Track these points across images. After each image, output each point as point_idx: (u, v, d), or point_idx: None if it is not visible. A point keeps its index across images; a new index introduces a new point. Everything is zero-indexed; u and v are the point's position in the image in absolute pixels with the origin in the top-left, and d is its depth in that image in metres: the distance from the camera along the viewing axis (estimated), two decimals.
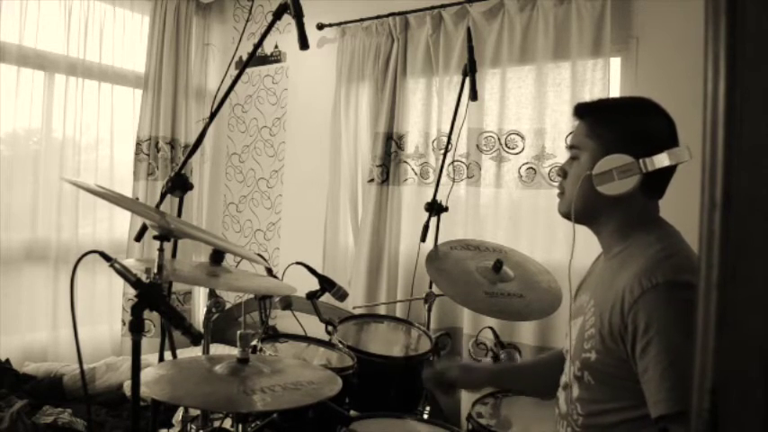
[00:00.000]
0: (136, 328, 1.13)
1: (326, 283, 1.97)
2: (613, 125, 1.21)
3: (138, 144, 3.46)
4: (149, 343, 3.12)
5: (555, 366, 1.42)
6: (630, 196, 1.15)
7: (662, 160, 1.11)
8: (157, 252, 1.26)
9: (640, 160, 1.12)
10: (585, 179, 1.19)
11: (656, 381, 1.01)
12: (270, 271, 1.99)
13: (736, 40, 0.45)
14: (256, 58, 3.61)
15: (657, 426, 1.01)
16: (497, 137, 2.72)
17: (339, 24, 3.26)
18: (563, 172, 1.29)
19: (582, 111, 1.28)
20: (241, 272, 1.87)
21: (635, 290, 1.06)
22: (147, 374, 1.25)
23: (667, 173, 1.17)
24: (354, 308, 2.63)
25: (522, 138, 2.67)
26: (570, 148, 1.29)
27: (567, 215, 1.27)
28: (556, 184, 1.35)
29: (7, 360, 2.86)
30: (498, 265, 1.94)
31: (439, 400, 2.24)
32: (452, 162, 2.80)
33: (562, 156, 2.48)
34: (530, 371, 1.65)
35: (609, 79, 2.45)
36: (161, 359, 1.67)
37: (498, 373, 1.63)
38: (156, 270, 1.24)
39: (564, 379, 1.28)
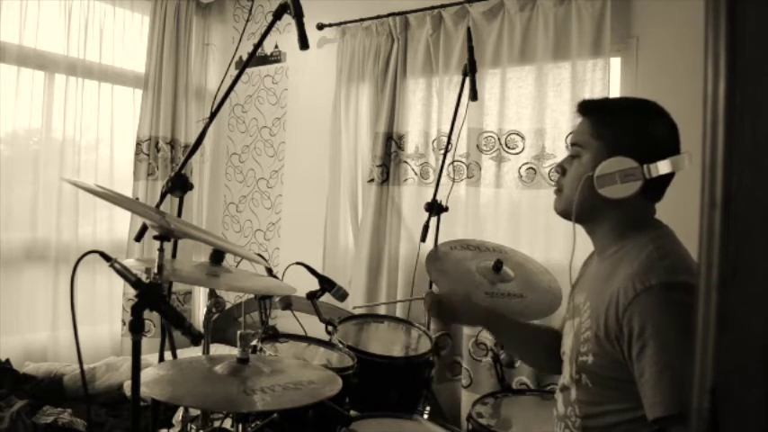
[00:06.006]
0: (136, 328, 1.12)
1: (326, 283, 1.97)
2: (619, 127, 1.19)
3: (138, 144, 3.46)
4: (149, 343, 3.12)
5: (545, 338, 1.48)
6: (629, 199, 1.14)
7: (665, 167, 1.10)
8: (157, 252, 1.26)
9: (644, 166, 1.11)
10: (587, 180, 1.18)
11: (652, 383, 1.00)
12: (270, 271, 1.99)
13: (736, 40, 0.45)
14: (256, 58, 3.61)
15: (654, 428, 1.01)
16: (497, 137, 2.72)
17: (339, 24, 3.25)
18: (561, 169, 1.28)
19: (587, 108, 1.26)
20: (241, 272, 1.87)
21: (629, 292, 1.06)
22: (147, 374, 1.25)
23: (668, 178, 1.17)
24: (354, 308, 2.63)
25: (522, 138, 2.67)
26: (572, 145, 1.28)
27: (563, 213, 1.27)
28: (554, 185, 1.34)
29: (7, 360, 2.85)
30: (498, 266, 1.94)
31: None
32: (452, 162, 2.80)
33: (562, 156, 2.47)
34: (522, 330, 1.60)
35: (609, 79, 2.44)
36: (161, 359, 1.67)
37: (494, 317, 1.57)
38: (156, 270, 1.24)
39: (562, 380, 1.28)
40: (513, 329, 1.58)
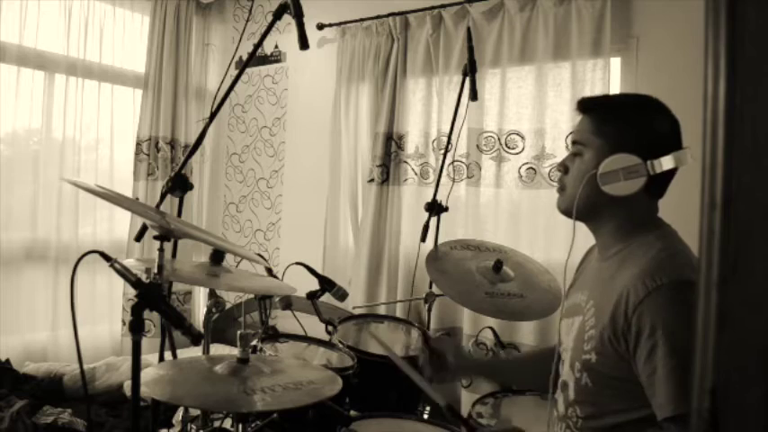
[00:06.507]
0: (136, 328, 1.12)
1: (326, 283, 1.97)
2: (621, 124, 1.19)
3: (138, 144, 3.46)
4: (149, 343, 3.12)
5: (546, 361, 1.42)
6: (634, 197, 1.14)
7: (668, 162, 1.10)
8: (157, 252, 1.26)
9: (648, 162, 1.11)
10: (590, 178, 1.17)
11: (663, 382, 1.00)
12: (270, 271, 1.99)
13: (736, 40, 0.45)
14: (256, 58, 3.61)
15: (662, 427, 1.00)
16: (497, 137, 2.72)
17: (339, 24, 3.25)
18: (564, 168, 1.27)
19: (587, 106, 1.25)
20: (241, 272, 1.87)
21: (639, 291, 1.05)
22: (147, 374, 1.25)
23: (671, 174, 1.16)
24: (354, 308, 2.63)
25: (522, 138, 2.67)
26: (573, 143, 1.26)
27: (566, 212, 1.25)
28: (556, 184, 1.33)
29: (7, 360, 2.86)
30: (498, 266, 1.94)
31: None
32: (452, 162, 2.80)
33: (562, 156, 2.46)
34: (518, 366, 1.62)
35: (609, 79, 2.45)
36: (161, 359, 1.67)
37: (485, 367, 1.61)
38: (156, 270, 1.24)
39: (562, 378, 1.27)
40: (508, 371, 1.59)
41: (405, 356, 1.98)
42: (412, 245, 2.83)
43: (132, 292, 1.13)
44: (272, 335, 1.89)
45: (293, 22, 1.62)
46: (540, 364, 1.48)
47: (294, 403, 1.26)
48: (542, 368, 1.42)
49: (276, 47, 3.67)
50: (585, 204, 1.21)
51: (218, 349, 2.90)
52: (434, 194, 2.28)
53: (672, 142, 1.16)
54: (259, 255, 1.80)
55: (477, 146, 2.77)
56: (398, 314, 2.78)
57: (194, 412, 1.76)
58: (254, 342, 1.72)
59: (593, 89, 2.46)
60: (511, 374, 1.61)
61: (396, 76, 3.01)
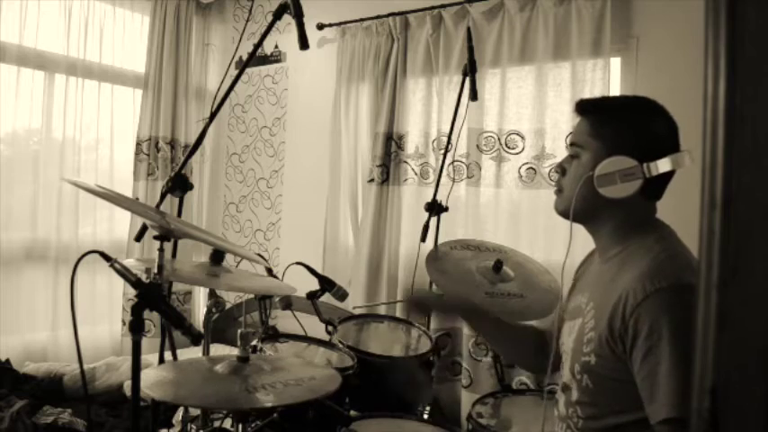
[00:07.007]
0: (136, 328, 1.13)
1: (326, 283, 1.97)
2: (618, 126, 1.19)
3: (138, 144, 3.46)
4: (149, 343, 3.12)
5: (525, 335, 1.50)
6: (631, 199, 1.14)
7: (664, 165, 1.10)
8: (157, 252, 1.26)
9: (644, 165, 1.11)
10: (587, 180, 1.18)
11: (659, 386, 1.00)
12: (270, 271, 1.99)
13: (736, 40, 0.45)
14: (256, 58, 3.61)
15: (656, 431, 1.00)
16: (497, 137, 2.72)
17: (339, 24, 3.26)
18: (561, 169, 1.28)
19: (585, 108, 1.26)
20: (241, 272, 1.87)
21: (638, 293, 1.05)
22: (149, 376, 1.25)
23: (668, 176, 1.17)
24: (354, 308, 2.64)
25: (522, 138, 2.67)
26: (571, 145, 1.27)
27: (563, 214, 1.26)
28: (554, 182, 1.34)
29: (7, 360, 2.86)
30: (498, 266, 1.94)
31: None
32: (452, 162, 2.80)
33: (562, 156, 2.45)
34: (502, 327, 1.59)
35: (609, 79, 2.45)
36: (161, 359, 1.67)
37: (470, 311, 1.59)
38: (156, 270, 1.24)
39: (563, 381, 1.28)
40: (491, 324, 1.56)
41: (404, 356, 1.99)
42: (412, 245, 2.82)
43: (132, 292, 1.13)
44: (272, 335, 1.89)
45: (293, 22, 1.62)
46: (517, 336, 1.54)
47: (296, 399, 1.26)
48: (519, 340, 1.51)
49: (276, 47, 3.67)
50: (582, 206, 1.21)
51: (218, 349, 2.90)
52: (434, 194, 2.28)
53: (669, 144, 1.16)
54: (259, 255, 1.80)
55: (477, 146, 2.77)
56: (398, 314, 2.78)
57: (194, 412, 1.76)
58: (254, 342, 1.72)
59: (593, 89, 2.46)
60: (486, 330, 1.61)
61: (396, 76, 3.01)
